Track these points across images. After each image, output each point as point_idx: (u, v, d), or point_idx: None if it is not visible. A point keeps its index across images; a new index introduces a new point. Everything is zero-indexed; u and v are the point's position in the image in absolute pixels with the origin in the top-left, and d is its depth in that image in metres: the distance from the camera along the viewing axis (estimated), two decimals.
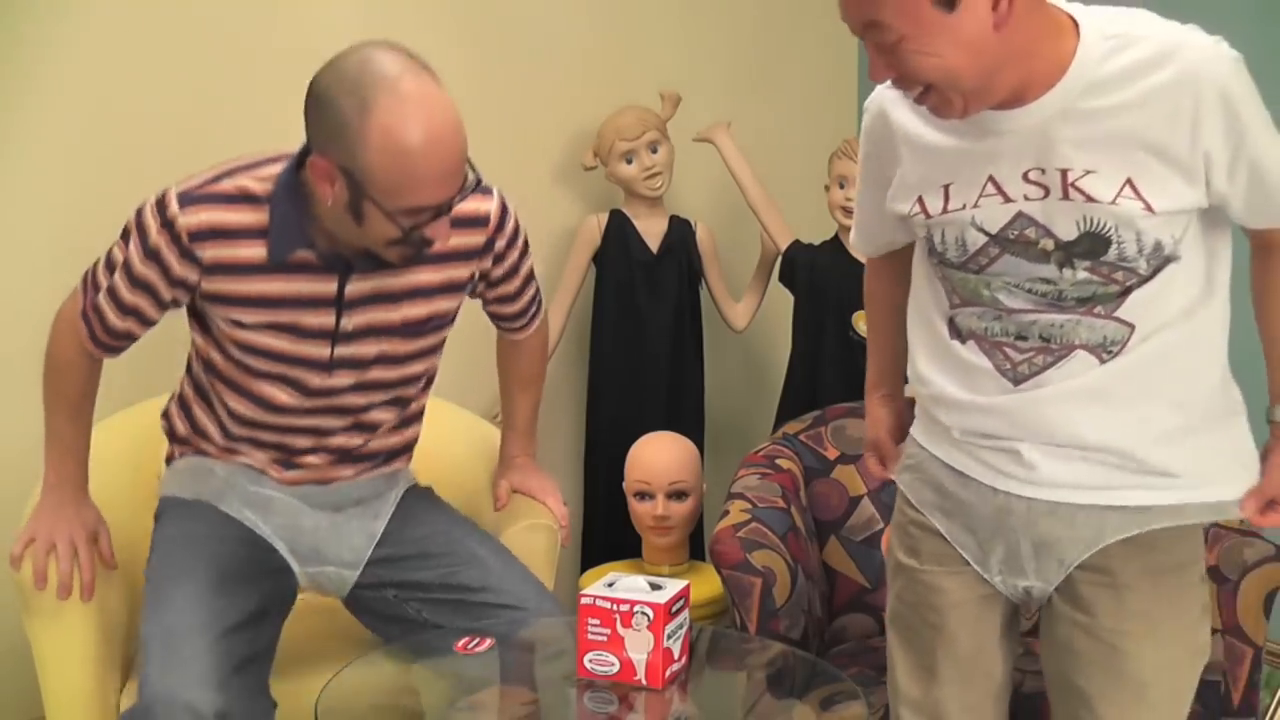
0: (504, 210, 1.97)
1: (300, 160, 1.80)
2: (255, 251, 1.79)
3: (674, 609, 1.72)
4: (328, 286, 1.84)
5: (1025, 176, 1.50)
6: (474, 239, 1.92)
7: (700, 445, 3.08)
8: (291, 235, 1.79)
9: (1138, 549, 1.58)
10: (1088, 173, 1.47)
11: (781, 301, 3.19)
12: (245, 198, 1.79)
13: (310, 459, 2.01)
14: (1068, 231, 1.50)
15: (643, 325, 3.09)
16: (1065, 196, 1.48)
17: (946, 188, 1.57)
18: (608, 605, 1.71)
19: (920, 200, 1.60)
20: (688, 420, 3.11)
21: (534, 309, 2.20)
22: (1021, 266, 1.53)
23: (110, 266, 1.89)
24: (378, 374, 1.96)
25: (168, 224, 1.79)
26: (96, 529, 1.99)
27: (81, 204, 2.58)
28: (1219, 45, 1.46)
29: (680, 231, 3.13)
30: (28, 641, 2.00)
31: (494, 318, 2.19)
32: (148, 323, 1.92)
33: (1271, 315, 1.61)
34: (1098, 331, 1.53)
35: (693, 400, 3.17)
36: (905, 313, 1.74)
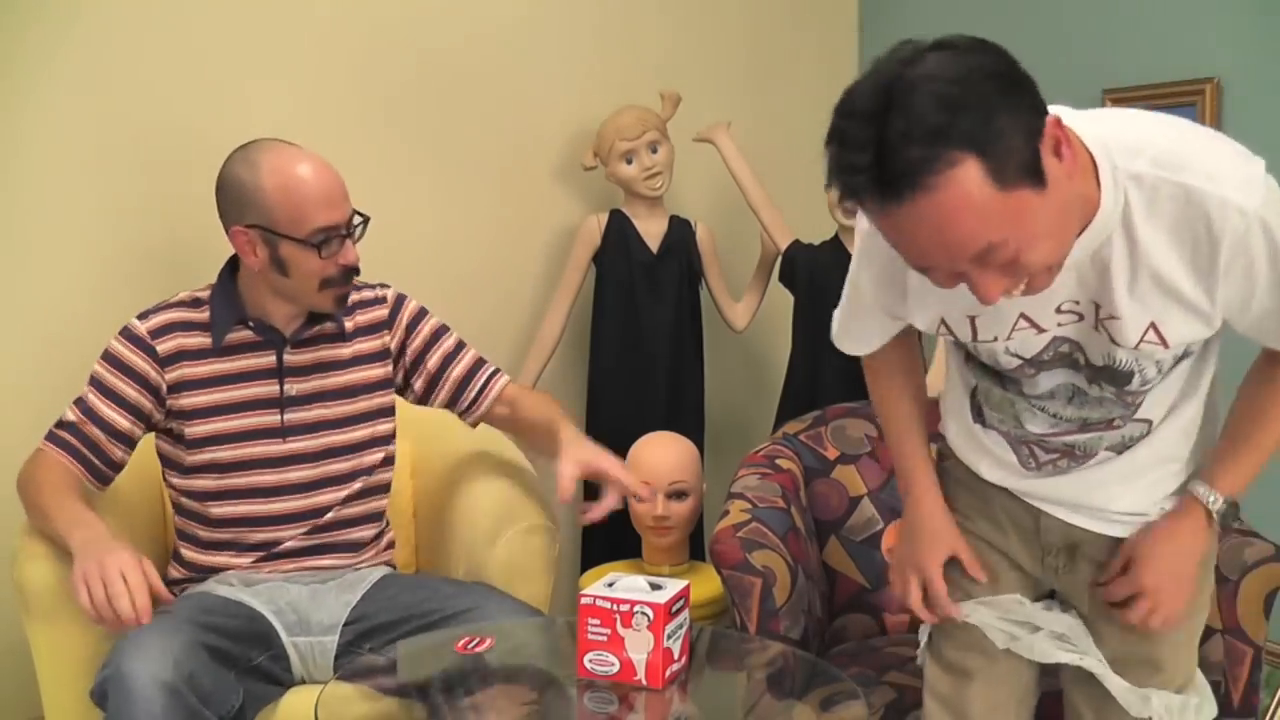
0: (400, 294, 2.29)
1: (230, 264, 2.14)
2: (202, 340, 2.12)
3: (674, 609, 1.73)
4: (268, 359, 2.14)
5: (1059, 309, 1.50)
6: (378, 312, 2.25)
7: (700, 445, 3.08)
8: (228, 318, 2.12)
9: None
10: (1113, 318, 1.46)
11: (781, 301, 3.19)
12: (191, 301, 2.16)
13: (290, 545, 2.15)
14: (1096, 358, 1.52)
15: (642, 325, 3.09)
16: (1096, 328, 1.50)
17: (973, 320, 1.54)
18: (608, 605, 1.71)
19: (944, 324, 1.57)
20: (688, 420, 3.11)
21: (488, 364, 2.33)
22: (1056, 375, 1.56)
23: (80, 398, 2.10)
24: (331, 438, 2.17)
25: (130, 335, 2.11)
26: (140, 558, 2.00)
27: (82, 204, 2.59)
28: (1248, 191, 1.37)
29: (680, 231, 3.13)
30: (28, 641, 2.00)
31: (462, 394, 2.30)
32: (121, 436, 2.08)
33: (1254, 408, 1.60)
34: (1118, 434, 1.60)
35: (693, 400, 3.17)
36: (923, 420, 1.77)
